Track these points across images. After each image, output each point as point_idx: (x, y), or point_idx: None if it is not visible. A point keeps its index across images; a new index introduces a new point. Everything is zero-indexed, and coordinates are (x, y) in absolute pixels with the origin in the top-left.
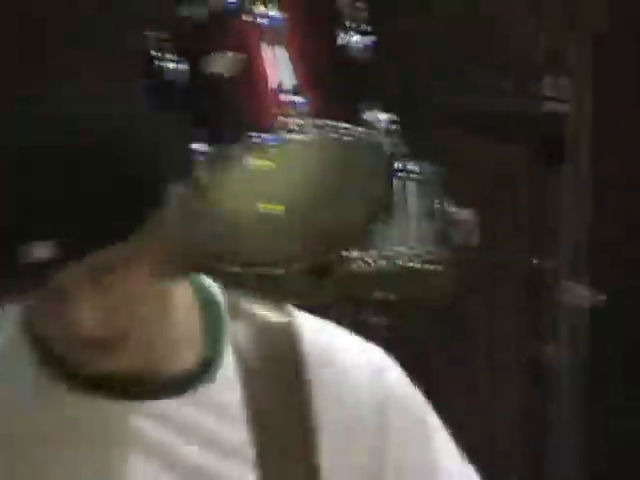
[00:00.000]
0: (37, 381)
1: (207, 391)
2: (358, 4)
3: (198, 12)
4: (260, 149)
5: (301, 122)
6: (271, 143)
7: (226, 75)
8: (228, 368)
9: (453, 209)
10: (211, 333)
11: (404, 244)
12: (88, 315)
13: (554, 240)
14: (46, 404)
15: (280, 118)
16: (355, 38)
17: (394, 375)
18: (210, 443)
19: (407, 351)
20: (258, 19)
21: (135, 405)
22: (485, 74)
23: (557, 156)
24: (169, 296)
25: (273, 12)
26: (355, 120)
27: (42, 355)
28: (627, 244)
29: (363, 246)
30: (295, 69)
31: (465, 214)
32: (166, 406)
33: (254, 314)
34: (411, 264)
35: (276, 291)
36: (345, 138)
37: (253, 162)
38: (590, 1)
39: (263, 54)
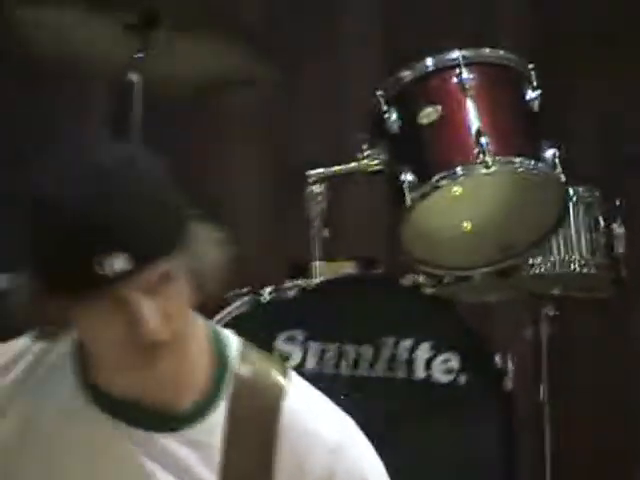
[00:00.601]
0: (75, 399)
1: (196, 431)
2: (530, 65)
3: (409, 75)
4: (456, 180)
5: (487, 159)
6: (464, 175)
7: (430, 123)
8: (219, 413)
9: (614, 225)
10: (216, 380)
11: (575, 252)
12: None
13: None
14: (78, 420)
15: (471, 155)
16: (529, 92)
17: (351, 453)
18: (185, 476)
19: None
20: (455, 79)
21: (142, 435)
22: None
23: None
24: (191, 337)
25: (465, 74)
26: (533, 156)
27: (82, 379)
28: None
29: (543, 252)
30: (482, 117)
31: (620, 230)
32: (164, 440)
33: (256, 369)
34: (580, 268)
35: (470, 290)
36: (522, 170)
37: (452, 189)
38: None
39: (459, 106)
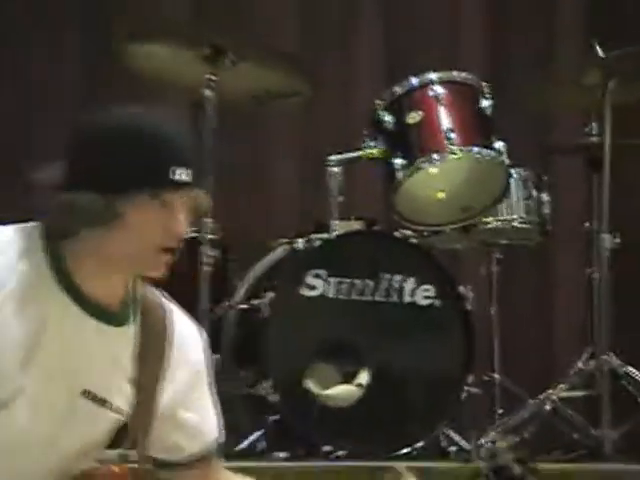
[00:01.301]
0: (61, 302)
1: (129, 328)
2: (484, 83)
3: (400, 89)
4: (433, 163)
5: (454, 148)
6: (438, 160)
7: (415, 123)
8: (137, 317)
9: (542, 194)
10: (134, 295)
11: (515, 213)
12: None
13: None
14: (67, 317)
15: (443, 146)
16: (484, 102)
17: (204, 337)
18: (115, 362)
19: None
20: (431, 92)
21: (105, 326)
22: None
23: None
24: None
25: (439, 89)
26: (486, 146)
27: (67, 286)
28: None
29: (493, 213)
30: (451, 119)
31: (546, 197)
32: (112, 330)
33: (149, 290)
34: (519, 224)
35: (443, 240)
36: (479, 156)
37: (430, 170)
38: None
39: (435, 111)
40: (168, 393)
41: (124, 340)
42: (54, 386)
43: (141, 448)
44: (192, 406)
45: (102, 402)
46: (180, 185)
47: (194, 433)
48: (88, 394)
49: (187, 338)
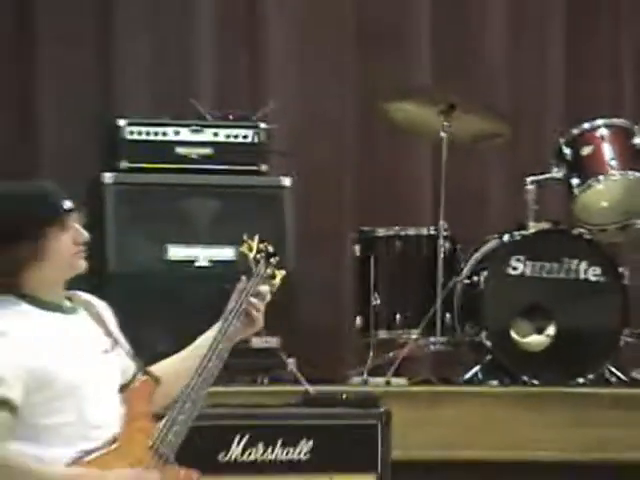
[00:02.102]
0: (41, 314)
1: (80, 313)
2: (635, 127)
3: (577, 130)
4: (599, 182)
5: (614, 172)
6: (603, 180)
7: (587, 154)
8: (79, 308)
9: None
10: (69, 298)
11: None
12: None
13: None
14: (49, 321)
15: (607, 170)
16: (636, 139)
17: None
18: (95, 331)
19: None
20: (598, 133)
21: (72, 316)
22: None
23: None
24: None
25: (604, 131)
26: (637, 170)
27: (37, 304)
28: None
29: None
30: (612, 152)
31: None
32: (74, 319)
33: (75, 295)
34: None
35: (607, 236)
36: (632, 178)
37: (597, 187)
38: None
39: (601, 146)
40: (115, 333)
41: (83, 318)
42: (85, 361)
43: (133, 368)
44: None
45: (106, 351)
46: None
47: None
48: (103, 351)
49: (101, 305)
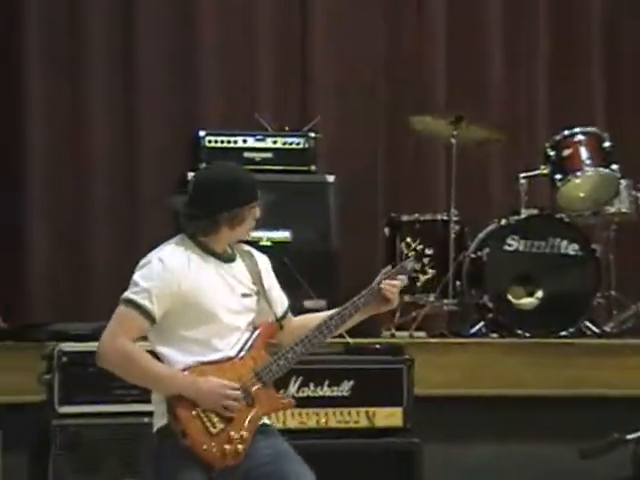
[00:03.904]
0: (206, 257)
1: (238, 261)
2: (604, 133)
3: (559, 137)
4: (577, 177)
5: (589, 169)
6: (580, 176)
7: (567, 155)
8: (239, 258)
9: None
10: (232, 247)
11: (621, 204)
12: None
13: None
14: (210, 263)
15: (582, 168)
16: (606, 143)
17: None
18: (245, 277)
19: None
20: (575, 138)
21: (230, 264)
22: None
23: None
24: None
25: (580, 137)
26: (606, 167)
27: (206, 250)
28: None
29: (610, 204)
30: (587, 153)
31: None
32: (228, 265)
33: (240, 246)
34: (624, 210)
35: (583, 219)
36: (602, 173)
37: (575, 181)
38: None
39: (578, 149)
40: (266, 283)
41: (239, 266)
42: (227, 298)
43: (269, 313)
44: (276, 287)
45: (248, 295)
46: (258, 199)
47: (282, 298)
48: (243, 295)
49: (261, 258)
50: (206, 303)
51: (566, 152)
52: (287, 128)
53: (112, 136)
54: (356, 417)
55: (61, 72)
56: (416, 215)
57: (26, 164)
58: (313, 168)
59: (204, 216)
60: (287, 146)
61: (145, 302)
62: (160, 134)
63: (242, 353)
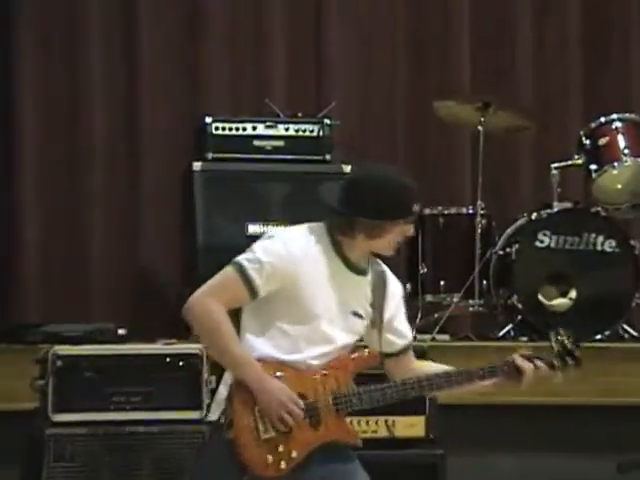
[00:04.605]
0: (333, 258)
1: (366, 277)
2: None
3: (594, 124)
4: (614, 167)
5: (626, 159)
6: (617, 166)
7: (603, 144)
8: (370, 274)
9: None
10: (369, 261)
11: None
12: None
13: None
14: (336, 265)
15: (620, 157)
16: None
17: (400, 285)
18: (363, 298)
19: None
20: (613, 125)
21: (354, 275)
22: None
23: None
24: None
25: (618, 124)
26: None
27: (337, 251)
28: None
29: None
30: (625, 142)
31: None
32: (353, 276)
33: (376, 261)
34: None
35: (621, 213)
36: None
37: (612, 172)
38: None
39: (615, 137)
40: (388, 312)
41: (365, 282)
42: (335, 307)
43: (376, 345)
44: (399, 320)
45: (359, 316)
46: (413, 214)
47: (401, 335)
48: (353, 313)
49: (393, 283)
50: (311, 302)
51: (602, 140)
52: (300, 114)
53: (113, 122)
54: (374, 426)
55: (58, 59)
56: (439, 208)
57: (20, 161)
58: (328, 157)
59: (343, 213)
60: (300, 133)
61: (254, 274)
62: (164, 120)
63: (328, 370)
